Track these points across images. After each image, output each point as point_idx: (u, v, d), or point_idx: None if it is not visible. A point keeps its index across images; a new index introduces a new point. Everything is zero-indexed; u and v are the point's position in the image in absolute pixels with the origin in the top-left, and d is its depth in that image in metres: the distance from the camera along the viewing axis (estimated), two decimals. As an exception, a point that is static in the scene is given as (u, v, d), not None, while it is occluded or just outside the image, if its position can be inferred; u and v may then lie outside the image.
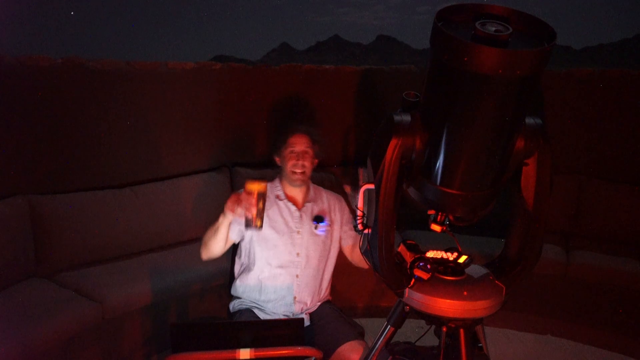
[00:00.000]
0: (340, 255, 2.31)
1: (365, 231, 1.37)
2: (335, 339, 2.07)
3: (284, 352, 1.51)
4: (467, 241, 2.72)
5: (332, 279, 2.33)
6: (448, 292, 1.30)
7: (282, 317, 2.15)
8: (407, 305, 1.37)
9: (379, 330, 1.47)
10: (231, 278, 2.30)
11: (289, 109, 3.68)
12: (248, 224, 1.87)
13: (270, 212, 2.18)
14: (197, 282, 2.84)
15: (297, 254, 2.18)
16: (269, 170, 2.70)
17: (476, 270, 1.39)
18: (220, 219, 2.03)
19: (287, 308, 2.17)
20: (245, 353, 1.48)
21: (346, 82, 3.83)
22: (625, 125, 3.47)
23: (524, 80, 1.04)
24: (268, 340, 1.54)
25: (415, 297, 1.32)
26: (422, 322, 1.41)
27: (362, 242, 1.42)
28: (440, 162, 1.21)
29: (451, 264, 1.36)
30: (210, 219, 2.10)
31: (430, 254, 1.38)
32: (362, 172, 1.84)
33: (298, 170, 2.18)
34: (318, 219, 2.22)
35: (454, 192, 1.23)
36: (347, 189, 2.03)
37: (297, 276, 2.17)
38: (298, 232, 2.20)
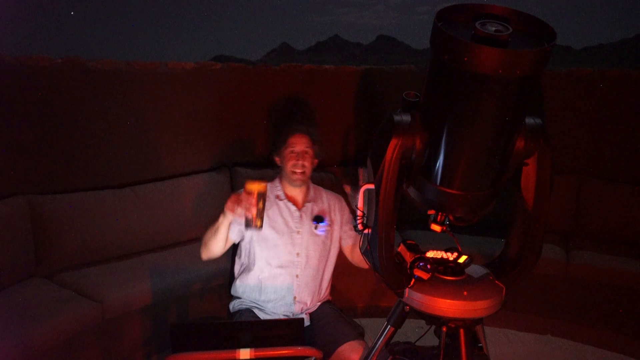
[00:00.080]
0: (340, 255, 2.31)
1: (365, 231, 1.37)
2: (335, 339, 2.07)
3: (284, 352, 1.51)
4: (467, 241, 2.74)
5: (332, 279, 2.33)
6: (448, 292, 1.30)
7: (282, 317, 2.15)
8: (407, 305, 1.37)
9: (379, 330, 1.47)
10: (231, 278, 2.30)
11: (289, 109, 3.68)
12: (248, 224, 1.87)
13: (270, 212, 2.18)
14: (197, 282, 2.84)
15: (297, 254, 2.18)
16: (269, 170, 2.70)
17: (476, 270, 1.40)
18: (220, 219, 2.03)
19: (287, 308, 2.17)
20: (245, 353, 1.48)
21: (346, 82, 3.84)
22: (625, 125, 3.47)
23: (524, 80, 1.04)
24: (268, 340, 1.54)
25: (415, 297, 1.32)
26: (422, 322, 1.41)
27: (362, 242, 1.42)
28: (440, 162, 1.21)
29: (451, 264, 1.36)
30: (210, 219, 2.10)
31: (430, 254, 1.38)
32: (362, 172, 1.84)
33: (298, 170, 2.18)
34: (318, 219, 2.22)
35: (454, 192, 1.23)
36: (347, 189, 2.03)
37: (297, 276, 2.17)
38: (298, 232, 2.20)
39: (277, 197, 2.25)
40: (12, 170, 2.76)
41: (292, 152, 2.19)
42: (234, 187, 3.46)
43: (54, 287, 2.63)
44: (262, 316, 2.17)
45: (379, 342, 1.46)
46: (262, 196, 1.84)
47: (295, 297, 2.17)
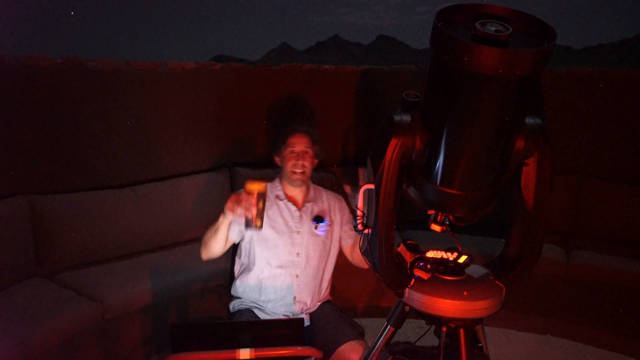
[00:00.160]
0: (340, 255, 2.31)
1: (365, 231, 1.37)
2: (335, 339, 2.07)
3: (284, 352, 1.51)
4: (467, 241, 2.73)
5: (332, 279, 2.33)
6: (448, 292, 1.30)
7: (282, 317, 2.15)
8: (407, 305, 1.37)
9: (379, 330, 1.47)
10: (231, 278, 2.30)
11: (288, 109, 3.68)
12: (248, 224, 1.87)
13: (270, 212, 2.18)
14: (197, 282, 2.84)
15: (297, 254, 2.18)
16: (269, 170, 2.70)
17: (476, 270, 1.40)
18: (220, 219, 2.03)
19: (287, 308, 2.17)
20: (245, 353, 1.48)
21: (346, 82, 3.84)
22: (625, 125, 3.47)
23: (524, 80, 1.04)
24: (268, 340, 1.54)
25: (415, 297, 1.32)
26: (422, 322, 1.41)
27: (362, 242, 1.42)
28: (440, 162, 1.21)
29: (451, 264, 1.36)
30: (210, 219, 2.10)
31: (430, 254, 1.38)
32: (362, 172, 1.84)
33: (298, 170, 2.18)
34: (318, 219, 2.22)
35: (454, 192, 1.23)
36: (347, 189, 2.03)
37: (297, 276, 2.17)
38: (298, 232, 2.20)
39: (277, 197, 2.25)
40: (12, 170, 2.76)
41: (292, 152, 2.20)
42: (234, 187, 3.46)
43: (54, 287, 2.63)
44: (262, 316, 2.17)
45: (379, 342, 1.46)
46: (262, 196, 1.84)
47: (295, 297, 2.17)
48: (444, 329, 1.35)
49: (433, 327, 1.41)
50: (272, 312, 2.17)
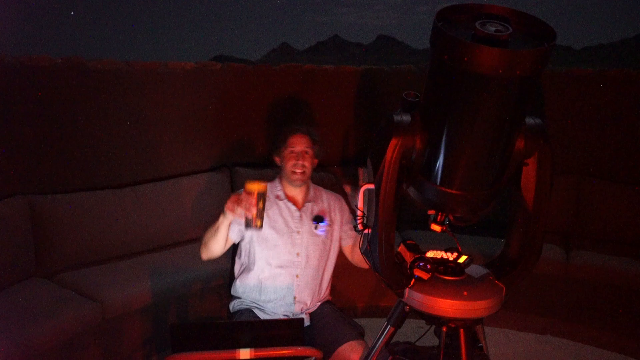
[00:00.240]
0: (340, 255, 2.31)
1: (365, 231, 1.37)
2: (335, 339, 2.07)
3: (284, 352, 1.51)
4: (467, 241, 2.74)
5: (332, 279, 2.33)
6: (448, 292, 1.30)
7: (282, 317, 2.15)
8: (407, 305, 1.37)
9: (379, 330, 1.47)
10: (231, 278, 2.30)
11: (288, 109, 3.68)
12: (248, 224, 1.87)
13: (270, 212, 2.18)
14: (197, 282, 2.84)
15: (297, 254, 2.18)
16: (269, 170, 2.71)
17: (476, 270, 1.39)
18: (220, 219, 2.03)
19: (287, 308, 2.17)
20: (245, 353, 1.48)
21: (346, 82, 3.84)
22: (625, 125, 3.47)
23: (524, 80, 1.04)
24: (268, 340, 1.54)
25: (415, 297, 1.32)
26: (422, 322, 1.41)
27: (362, 242, 1.42)
28: (440, 162, 1.21)
29: (451, 264, 1.36)
30: (210, 219, 2.10)
31: (430, 254, 1.38)
32: (362, 172, 1.84)
33: (298, 170, 2.18)
34: (318, 219, 2.22)
35: (453, 192, 1.23)
36: (347, 189, 2.03)
37: (297, 276, 2.17)
38: (298, 232, 2.20)
39: (277, 197, 2.25)
40: (12, 170, 2.76)
41: (292, 152, 2.20)
42: (234, 187, 3.46)
43: (54, 287, 2.63)
44: (262, 316, 2.17)
45: (379, 342, 1.46)
46: (262, 196, 1.84)
47: (295, 297, 2.17)
48: (444, 329, 1.35)
49: (433, 327, 1.41)
50: (272, 312, 2.17)
